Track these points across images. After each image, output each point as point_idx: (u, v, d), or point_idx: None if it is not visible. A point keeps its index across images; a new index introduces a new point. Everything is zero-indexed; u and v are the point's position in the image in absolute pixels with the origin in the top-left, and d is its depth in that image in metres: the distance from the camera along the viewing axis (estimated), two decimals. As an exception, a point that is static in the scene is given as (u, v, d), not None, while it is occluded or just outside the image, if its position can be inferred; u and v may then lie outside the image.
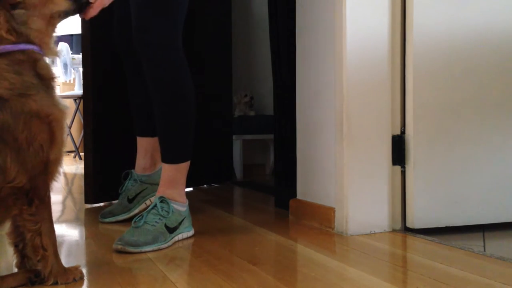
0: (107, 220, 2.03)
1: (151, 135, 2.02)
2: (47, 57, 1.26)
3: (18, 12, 1.20)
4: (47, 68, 1.23)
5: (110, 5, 1.50)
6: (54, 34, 1.28)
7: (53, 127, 1.19)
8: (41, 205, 1.19)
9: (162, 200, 1.70)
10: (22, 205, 1.17)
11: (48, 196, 1.22)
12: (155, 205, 1.68)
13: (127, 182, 2.07)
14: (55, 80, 1.25)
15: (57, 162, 1.23)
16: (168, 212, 1.69)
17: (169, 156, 1.78)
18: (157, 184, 1.88)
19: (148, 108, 1.90)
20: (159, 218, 1.66)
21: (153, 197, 1.94)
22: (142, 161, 2.06)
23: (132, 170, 2.07)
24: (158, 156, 1.96)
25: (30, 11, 1.21)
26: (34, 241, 1.20)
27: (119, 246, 1.56)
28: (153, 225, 1.63)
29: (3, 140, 1.13)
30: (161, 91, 1.75)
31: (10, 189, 1.15)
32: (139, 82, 1.96)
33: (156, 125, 1.81)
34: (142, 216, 1.66)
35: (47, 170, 1.20)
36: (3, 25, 1.18)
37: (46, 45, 1.25)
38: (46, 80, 1.21)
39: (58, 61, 5.26)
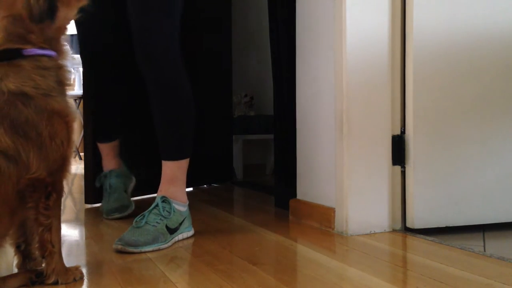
0: (127, 213, 2.11)
1: (114, 139, 2.24)
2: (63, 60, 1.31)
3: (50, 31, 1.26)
4: (67, 75, 1.28)
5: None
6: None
7: (69, 127, 1.24)
8: (57, 200, 1.23)
9: (164, 200, 1.71)
10: (40, 198, 1.20)
11: (63, 193, 1.27)
12: (157, 205, 1.69)
13: (110, 181, 2.20)
14: (71, 86, 1.30)
15: (71, 160, 1.27)
16: (169, 213, 1.69)
17: (171, 153, 1.79)
18: (128, 177, 2.23)
19: (115, 113, 2.20)
20: (160, 219, 1.66)
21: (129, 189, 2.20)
22: (112, 161, 2.24)
23: (112, 170, 2.22)
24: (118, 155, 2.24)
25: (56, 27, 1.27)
26: (44, 236, 1.21)
27: (119, 246, 1.57)
28: (154, 225, 1.64)
29: (27, 135, 1.17)
30: (163, 89, 1.77)
31: (28, 181, 1.18)
32: (114, 86, 2.15)
33: (157, 124, 1.81)
34: (144, 216, 1.67)
35: (64, 166, 1.24)
36: (36, 33, 1.23)
37: (62, 52, 1.30)
38: (63, 86, 1.27)
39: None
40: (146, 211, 1.69)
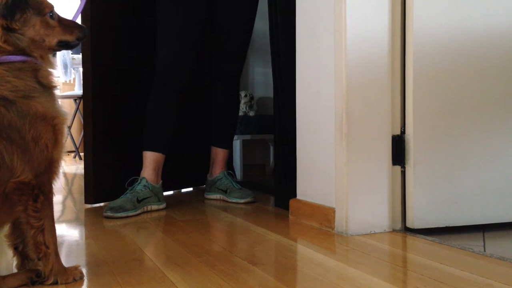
0: (119, 215, 2.12)
1: (159, 151, 2.36)
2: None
3: (15, 35, 1.23)
4: (48, 77, 1.27)
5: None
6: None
7: (56, 130, 1.23)
8: (45, 201, 1.21)
9: (229, 173, 2.65)
10: (28, 201, 1.19)
11: (52, 194, 1.25)
12: (225, 176, 2.61)
13: (136, 185, 2.28)
14: (57, 88, 1.29)
15: (58, 162, 1.26)
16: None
17: (228, 143, 2.70)
18: (157, 196, 2.31)
19: (172, 128, 2.40)
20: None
21: (152, 205, 2.28)
22: (151, 173, 2.33)
23: (145, 178, 2.30)
24: (160, 171, 2.37)
25: (27, 38, 1.25)
26: (37, 238, 1.21)
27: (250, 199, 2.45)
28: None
29: (10, 138, 1.16)
30: (236, 103, 2.73)
31: (15, 184, 1.17)
32: (177, 107, 2.42)
33: (224, 122, 2.67)
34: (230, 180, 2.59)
35: (51, 168, 1.23)
36: (7, 41, 1.21)
37: (44, 59, 1.28)
38: (48, 88, 1.25)
39: (58, 61, 5.27)
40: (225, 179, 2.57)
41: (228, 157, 2.72)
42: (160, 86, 2.38)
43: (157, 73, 2.39)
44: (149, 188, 2.28)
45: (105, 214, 2.13)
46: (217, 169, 2.64)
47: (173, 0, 2.34)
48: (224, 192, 2.55)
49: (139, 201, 2.23)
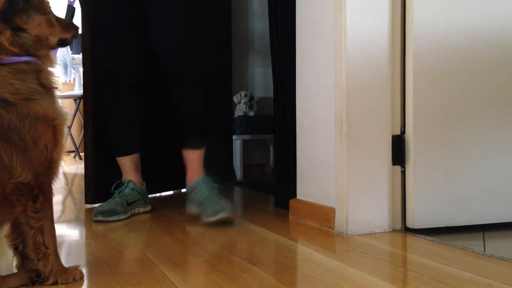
0: (111, 218, 2.09)
1: (132, 152, 2.30)
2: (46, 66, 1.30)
3: (23, 34, 1.24)
4: (50, 78, 1.27)
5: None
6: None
7: (56, 130, 1.23)
8: (45, 202, 1.21)
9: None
10: (27, 201, 1.19)
11: (52, 194, 1.25)
12: (202, 182, 2.13)
13: (124, 188, 2.24)
14: (57, 89, 1.29)
15: (58, 163, 1.26)
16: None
17: (200, 144, 2.22)
18: (144, 198, 2.28)
19: (132, 126, 2.30)
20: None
21: (140, 208, 2.25)
22: (135, 176, 2.30)
23: (131, 180, 2.27)
24: (140, 170, 2.33)
25: (33, 37, 1.25)
26: (36, 238, 1.21)
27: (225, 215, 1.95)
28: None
29: (10, 139, 1.16)
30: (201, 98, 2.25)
31: (14, 185, 1.17)
32: (134, 103, 2.30)
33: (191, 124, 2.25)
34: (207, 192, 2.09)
35: (51, 169, 1.23)
36: (7, 38, 1.22)
37: (46, 58, 1.29)
38: (49, 89, 1.25)
39: (58, 61, 5.28)
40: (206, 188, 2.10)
41: (203, 158, 2.22)
42: (102, 88, 2.32)
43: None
44: (137, 191, 2.25)
45: (95, 218, 2.07)
46: (191, 174, 2.18)
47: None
48: (200, 205, 2.05)
49: (128, 204, 2.19)
